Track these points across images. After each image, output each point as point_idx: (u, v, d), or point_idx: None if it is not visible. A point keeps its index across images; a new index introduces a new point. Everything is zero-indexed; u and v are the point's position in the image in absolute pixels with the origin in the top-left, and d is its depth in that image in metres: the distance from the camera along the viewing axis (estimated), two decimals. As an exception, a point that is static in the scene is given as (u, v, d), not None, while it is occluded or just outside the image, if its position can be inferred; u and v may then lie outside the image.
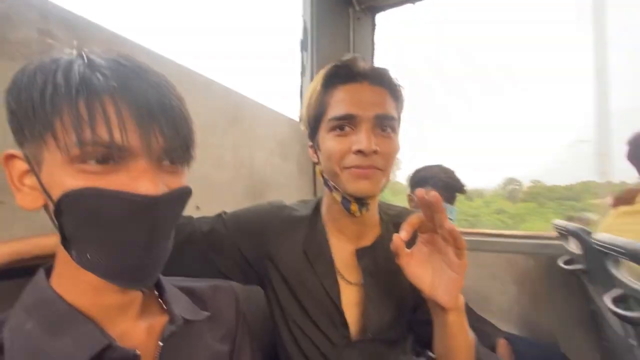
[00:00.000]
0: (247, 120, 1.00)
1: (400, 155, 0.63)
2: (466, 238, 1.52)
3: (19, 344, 0.33)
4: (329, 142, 0.59)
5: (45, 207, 0.34)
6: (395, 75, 0.61)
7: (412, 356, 0.70)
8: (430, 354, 0.64)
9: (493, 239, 1.41)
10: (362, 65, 0.60)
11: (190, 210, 0.75)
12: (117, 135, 0.31)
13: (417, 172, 1.38)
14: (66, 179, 0.31)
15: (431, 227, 0.51)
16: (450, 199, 1.31)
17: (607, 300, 0.72)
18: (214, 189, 0.87)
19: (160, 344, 0.39)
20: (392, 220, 0.70)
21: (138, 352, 0.35)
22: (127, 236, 0.32)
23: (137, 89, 0.32)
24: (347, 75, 0.59)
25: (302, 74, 1.40)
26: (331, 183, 0.62)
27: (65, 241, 0.33)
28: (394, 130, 0.60)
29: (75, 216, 0.31)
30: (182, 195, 0.37)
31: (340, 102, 0.58)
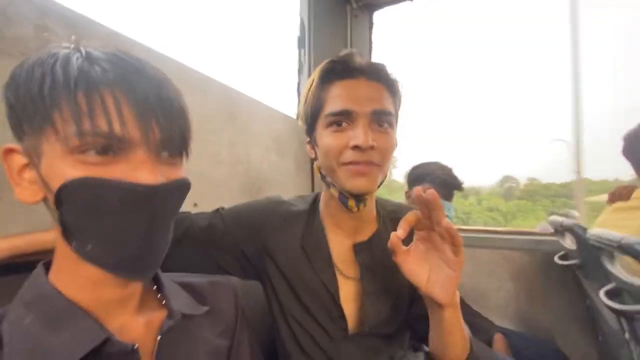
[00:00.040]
0: (244, 117, 1.00)
1: (396, 154, 0.64)
2: (463, 235, 1.52)
3: (18, 338, 0.33)
4: (326, 138, 0.59)
5: (45, 200, 0.35)
6: (392, 70, 0.61)
7: (409, 351, 0.71)
8: (426, 348, 0.65)
9: (490, 236, 1.42)
10: (359, 60, 0.60)
11: (187, 207, 0.75)
12: (116, 126, 0.31)
13: (415, 169, 1.38)
14: (66, 169, 0.31)
15: (428, 225, 0.51)
16: (448, 196, 1.32)
17: (602, 294, 0.73)
18: (211, 186, 0.87)
19: (159, 338, 0.39)
20: (389, 215, 0.70)
21: (136, 346, 0.36)
22: (127, 226, 0.33)
23: (135, 81, 0.32)
24: (343, 70, 0.59)
25: (300, 71, 1.41)
26: (328, 179, 0.62)
27: (66, 232, 0.33)
28: (391, 125, 0.60)
29: (75, 206, 0.32)
30: (181, 186, 0.37)
31: (337, 98, 0.58)
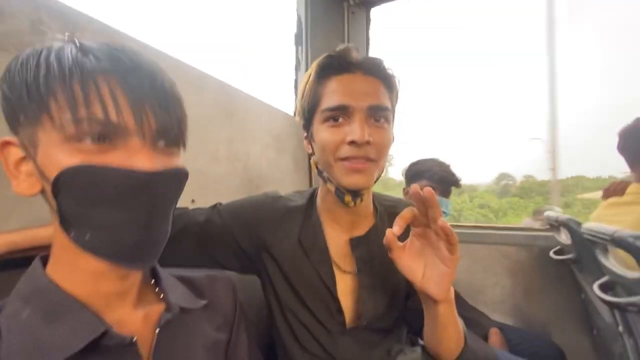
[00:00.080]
0: (242, 114, 1.00)
1: (392, 152, 0.64)
2: (460, 231, 1.54)
3: (16, 331, 0.33)
4: (323, 133, 0.59)
5: (42, 192, 0.35)
6: (389, 65, 0.61)
7: (406, 345, 0.71)
8: (422, 342, 0.66)
9: (486, 232, 1.43)
10: (356, 55, 0.60)
11: (185, 203, 0.75)
12: (112, 113, 0.31)
13: (413, 165, 1.39)
14: (63, 157, 0.31)
15: (424, 222, 0.52)
16: (445, 193, 1.33)
17: (595, 287, 0.74)
18: (209, 183, 0.87)
19: (157, 331, 0.39)
20: (387, 210, 0.70)
21: (135, 338, 0.36)
22: (125, 214, 0.33)
23: (130, 70, 0.33)
24: (340, 65, 0.59)
25: (297, 68, 1.41)
26: (325, 174, 0.62)
27: (64, 222, 0.33)
28: (388, 121, 0.60)
29: (73, 194, 0.32)
30: (179, 174, 0.37)
31: (333, 93, 0.58)
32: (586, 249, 0.89)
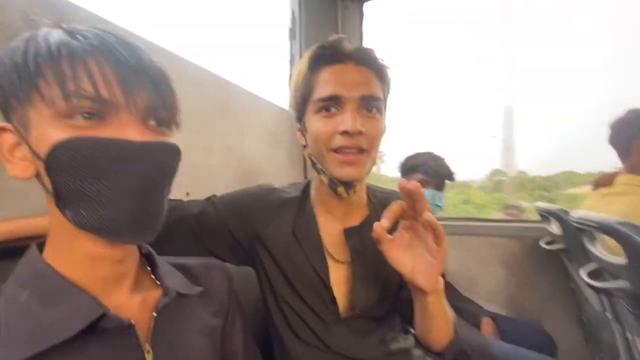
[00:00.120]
0: (237, 108, 1.01)
1: (384, 149, 0.64)
2: (453, 223, 1.56)
3: (14, 315, 0.33)
4: (315, 123, 0.60)
5: (37, 177, 0.35)
6: (381, 56, 0.62)
7: (400, 333, 0.73)
8: (413, 331, 0.67)
9: (478, 224, 1.46)
10: (348, 46, 0.60)
11: (180, 196, 0.75)
12: (102, 89, 0.32)
13: (408, 159, 1.40)
14: (54, 133, 0.31)
15: (412, 215, 0.53)
16: (440, 186, 1.35)
17: (583, 274, 0.76)
18: (203, 176, 0.87)
19: (154, 315, 0.39)
20: (380, 202, 0.71)
21: (133, 321, 0.36)
22: (119, 186, 0.33)
23: (117, 50, 0.33)
24: (332, 56, 0.60)
25: (291, 62, 1.41)
26: (319, 166, 0.63)
27: (59, 202, 0.33)
28: (380, 111, 0.61)
29: (66, 169, 0.32)
30: (171, 147, 0.37)
31: (325, 83, 0.59)
32: (575, 237, 0.91)
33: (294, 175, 1.33)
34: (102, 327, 0.35)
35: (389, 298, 0.68)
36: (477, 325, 1.18)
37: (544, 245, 1.20)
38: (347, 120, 0.56)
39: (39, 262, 0.36)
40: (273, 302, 0.68)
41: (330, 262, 0.65)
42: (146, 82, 0.34)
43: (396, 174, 1.50)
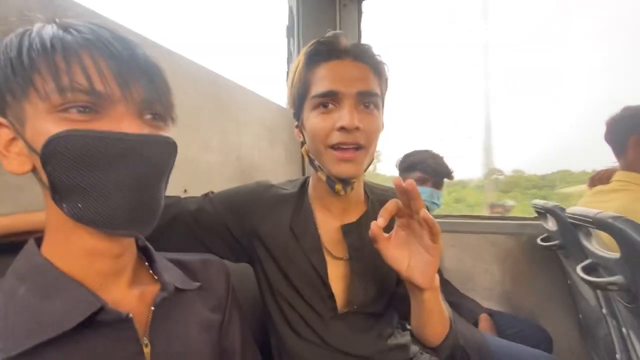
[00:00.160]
0: (235, 105, 1.01)
1: (380, 148, 0.64)
2: (450, 221, 1.56)
3: (13, 308, 0.33)
4: (313, 119, 0.59)
5: (34, 171, 0.35)
6: (378, 52, 0.62)
7: (397, 329, 0.73)
8: (409, 326, 0.68)
9: (476, 221, 1.46)
10: (345, 42, 0.60)
11: (178, 193, 0.75)
12: (96, 82, 0.32)
13: (407, 157, 1.40)
14: (50, 127, 0.31)
15: (408, 213, 0.53)
16: (438, 184, 1.35)
17: (579, 269, 0.77)
18: (201, 173, 0.87)
19: (152, 309, 0.40)
20: (378, 198, 0.71)
21: (131, 314, 0.36)
22: (115, 178, 0.33)
23: (111, 43, 0.33)
24: (329, 52, 0.59)
25: (289, 60, 1.41)
26: (316, 163, 0.63)
27: (56, 195, 0.33)
28: (377, 107, 0.61)
29: (62, 162, 0.32)
30: (167, 141, 0.37)
31: (322, 79, 0.58)
32: (571, 233, 0.92)
33: (291, 173, 1.33)
34: (100, 320, 0.35)
35: (387, 294, 0.69)
36: (475, 322, 1.19)
37: (540, 242, 1.20)
38: (344, 116, 0.56)
39: (37, 257, 0.36)
40: (271, 298, 0.68)
41: (328, 258, 0.66)
42: (140, 75, 0.34)
43: (392, 172, 1.50)
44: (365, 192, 0.71)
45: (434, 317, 0.59)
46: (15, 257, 0.37)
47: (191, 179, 0.82)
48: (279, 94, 1.35)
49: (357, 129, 0.57)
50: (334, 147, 0.58)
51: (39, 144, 0.32)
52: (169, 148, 0.37)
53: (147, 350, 0.38)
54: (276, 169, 1.22)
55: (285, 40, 1.42)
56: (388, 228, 0.54)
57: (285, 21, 1.41)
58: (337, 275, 0.66)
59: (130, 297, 0.40)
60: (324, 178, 0.63)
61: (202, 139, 0.88)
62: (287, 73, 1.41)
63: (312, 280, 0.65)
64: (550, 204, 1.07)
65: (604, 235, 0.81)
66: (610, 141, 1.16)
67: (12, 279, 0.35)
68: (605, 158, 1.18)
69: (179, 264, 0.48)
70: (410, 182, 0.49)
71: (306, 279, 0.65)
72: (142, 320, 0.39)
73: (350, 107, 0.57)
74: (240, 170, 1.02)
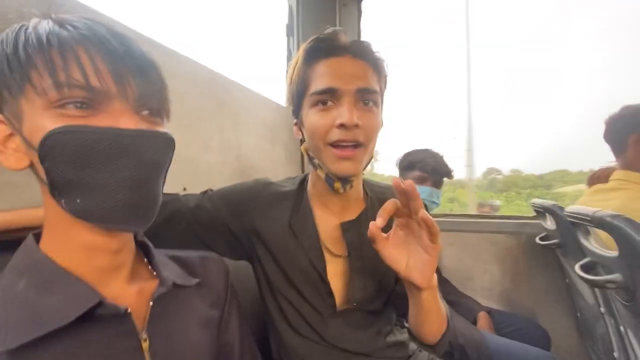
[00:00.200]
0: (234, 104, 1.01)
1: (378, 147, 0.64)
2: (450, 220, 1.57)
3: (12, 303, 0.33)
4: (312, 117, 0.59)
5: (32, 167, 0.35)
6: (377, 49, 0.61)
7: (396, 327, 0.73)
8: (407, 324, 0.68)
9: (475, 220, 1.47)
10: (344, 38, 0.60)
11: (177, 191, 0.75)
12: (92, 78, 0.32)
13: (406, 156, 1.40)
14: (47, 123, 0.31)
15: (407, 213, 0.53)
16: (438, 184, 1.35)
17: (577, 268, 0.77)
18: (201, 172, 0.87)
19: (151, 304, 0.40)
20: (377, 196, 0.71)
21: (129, 309, 0.37)
22: (113, 173, 0.33)
23: (107, 39, 0.33)
24: (328, 49, 0.59)
25: (289, 59, 1.41)
26: (316, 161, 0.63)
27: (54, 191, 0.33)
28: (377, 104, 0.60)
29: (60, 157, 0.32)
30: (165, 136, 0.37)
31: (322, 76, 0.58)
32: (569, 232, 0.92)
33: (291, 172, 1.33)
34: (98, 315, 0.35)
35: (386, 291, 0.69)
36: (474, 320, 1.19)
37: (539, 241, 1.21)
38: (343, 113, 0.56)
39: (36, 252, 0.36)
40: (270, 295, 0.68)
41: (327, 255, 0.66)
42: (137, 71, 0.34)
43: (390, 172, 1.50)
44: (365, 190, 0.71)
45: (431, 316, 0.59)
46: (14, 253, 0.38)
47: (191, 178, 0.82)
48: (279, 93, 1.35)
49: (357, 126, 0.56)
50: (333, 144, 0.58)
51: (36, 140, 0.32)
52: (167, 143, 0.37)
53: (145, 345, 0.38)
54: (276, 168, 1.23)
55: (285, 39, 1.42)
56: (386, 227, 0.54)
57: (285, 20, 1.41)
58: (336, 272, 0.66)
59: (128, 292, 0.40)
60: (323, 176, 0.63)
61: (202, 138, 0.88)
62: (287, 71, 1.41)
63: (311, 277, 0.65)
64: (549, 202, 1.07)
65: (602, 233, 0.82)
66: (610, 140, 1.16)
67: (11, 274, 0.35)
68: (604, 158, 1.19)
69: (177, 260, 0.49)
70: (409, 183, 0.49)
71: (305, 277, 0.65)
72: (140, 315, 0.39)
73: (350, 105, 0.57)
74: (240, 169, 1.02)
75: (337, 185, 0.61)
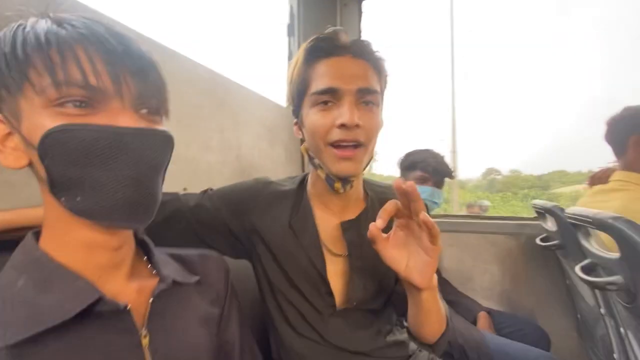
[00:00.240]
0: (234, 104, 1.01)
1: (377, 148, 0.64)
2: (450, 220, 1.57)
3: (10, 300, 0.33)
4: (313, 116, 0.59)
5: (30, 166, 0.35)
6: (377, 48, 0.61)
7: (396, 327, 0.73)
8: (406, 323, 0.68)
9: (475, 221, 1.47)
10: (344, 38, 0.60)
11: (177, 191, 0.75)
12: (91, 77, 0.32)
13: (407, 156, 1.40)
14: (46, 122, 0.31)
15: (407, 213, 0.53)
16: (439, 184, 1.35)
17: (577, 269, 0.77)
18: (201, 172, 0.87)
19: (151, 301, 0.40)
20: (377, 196, 0.71)
21: (129, 306, 0.37)
22: (113, 171, 0.33)
23: (105, 37, 0.33)
24: (329, 48, 0.59)
25: (289, 59, 1.40)
26: (316, 161, 0.63)
27: (54, 189, 0.33)
28: (377, 104, 0.60)
29: (59, 155, 0.32)
30: (164, 134, 0.37)
31: (322, 76, 0.58)
32: (570, 233, 0.92)
33: (291, 172, 1.33)
34: (98, 311, 0.35)
35: (386, 291, 0.69)
36: (474, 320, 1.19)
37: (539, 242, 1.21)
38: (344, 113, 0.56)
39: (35, 250, 0.36)
40: (269, 295, 0.68)
41: (327, 255, 0.66)
42: (135, 70, 0.34)
43: (389, 172, 1.50)
44: (365, 190, 0.71)
45: (431, 317, 0.59)
46: (8, 255, 0.37)
47: (191, 178, 0.82)
48: (280, 93, 1.35)
49: (357, 126, 0.56)
50: (334, 144, 0.58)
51: (35, 139, 0.32)
52: (166, 141, 0.37)
53: (145, 342, 0.38)
54: (276, 168, 1.22)
55: (286, 39, 1.42)
56: (387, 227, 0.54)
57: (285, 20, 1.41)
58: (336, 272, 0.66)
59: (128, 289, 0.40)
60: (323, 176, 0.62)
61: (202, 138, 0.88)
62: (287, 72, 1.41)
63: (311, 276, 0.65)
64: (549, 204, 1.07)
65: (603, 235, 0.82)
66: (610, 141, 1.16)
67: (10, 272, 0.35)
68: (604, 158, 1.19)
69: (177, 258, 0.49)
70: (410, 184, 0.49)
71: (305, 276, 0.65)
72: (140, 312, 0.39)
73: (351, 104, 0.57)
74: (240, 169, 1.02)
75: (338, 185, 0.61)
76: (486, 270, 1.42)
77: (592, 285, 0.72)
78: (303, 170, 1.39)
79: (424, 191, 1.28)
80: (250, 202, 0.68)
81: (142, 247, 0.46)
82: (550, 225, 1.15)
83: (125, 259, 0.40)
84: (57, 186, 0.33)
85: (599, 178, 1.19)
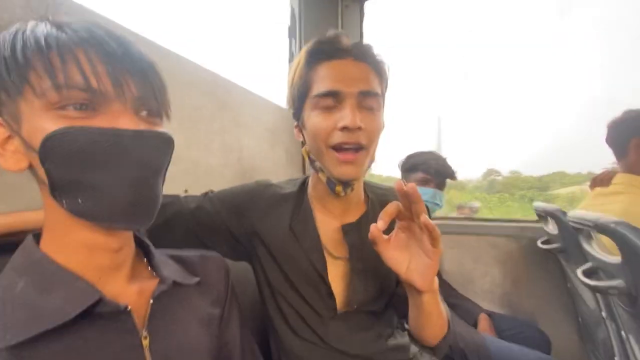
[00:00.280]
0: (235, 106, 1.01)
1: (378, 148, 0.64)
2: (451, 223, 1.57)
3: (11, 301, 0.33)
4: (314, 119, 0.59)
5: (31, 168, 0.35)
6: (378, 51, 0.61)
7: (397, 330, 0.73)
8: (407, 326, 0.68)
9: (476, 223, 1.46)
10: (346, 41, 0.60)
11: (178, 193, 0.75)
12: (92, 80, 0.32)
13: (409, 158, 1.40)
14: (47, 124, 0.31)
15: (408, 215, 0.53)
16: (441, 185, 1.35)
17: (579, 273, 0.77)
18: (202, 174, 0.87)
19: (151, 302, 0.40)
20: (378, 199, 0.71)
21: (129, 307, 0.37)
22: (113, 173, 0.33)
23: (104, 41, 0.33)
24: (330, 51, 0.59)
25: (290, 61, 1.40)
26: (317, 164, 0.63)
27: (54, 191, 0.33)
28: (379, 106, 0.60)
29: (60, 158, 0.32)
30: (165, 137, 0.37)
31: (324, 79, 0.58)
32: (571, 237, 0.91)
33: (292, 174, 1.33)
34: (98, 313, 0.35)
35: (387, 293, 0.68)
36: (474, 323, 1.19)
37: (540, 245, 1.20)
38: (346, 116, 0.56)
39: (36, 252, 0.36)
40: (270, 296, 0.68)
41: (328, 257, 0.65)
42: (135, 72, 0.34)
43: (388, 173, 1.50)
44: (366, 192, 0.71)
45: (432, 319, 0.59)
46: (8, 257, 0.37)
47: (192, 180, 0.82)
48: (281, 95, 1.35)
49: (359, 128, 0.56)
50: (335, 147, 0.58)
51: (36, 142, 0.32)
52: (166, 143, 0.37)
53: (145, 343, 0.38)
54: (277, 170, 1.22)
55: (287, 41, 1.42)
56: (388, 229, 0.54)
57: (287, 22, 1.41)
58: (337, 274, 0.66)
59: (129, 291, 0.40)
60: (324, 179, 0.62)
61: (203, 140, 0.88)
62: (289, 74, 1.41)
63: (312, 279, 0.65)
64: (551, 206, 1.07)
65: (605, 238, 0.81)
66: (612, 144, 1.16)
67: (10, 274, 0.35)
68: (604, 158, 1.19)
69: (177, 259, 0.49)
70: (411, 186, 0.49)
71: (306, 278, 0.65)
72: (140, 313, 0.39)
73: (352, 107, 0.57)
74: (242, 171, 1.02)
75: (339, 188, 0.61)
76: (487, 273, 1.42)
77: (594, 289, 0.72)
78: (304, 173, 1.39)
79: (425, 193, 1.28)
80: (251, 204, 0.68)
81: (142, 249, 0.46)
82: (551, 228, 1.15)
83: (126, 260, 0.40)
84: (57, 189, 0.33)
85: (601, 180, 1.19)
